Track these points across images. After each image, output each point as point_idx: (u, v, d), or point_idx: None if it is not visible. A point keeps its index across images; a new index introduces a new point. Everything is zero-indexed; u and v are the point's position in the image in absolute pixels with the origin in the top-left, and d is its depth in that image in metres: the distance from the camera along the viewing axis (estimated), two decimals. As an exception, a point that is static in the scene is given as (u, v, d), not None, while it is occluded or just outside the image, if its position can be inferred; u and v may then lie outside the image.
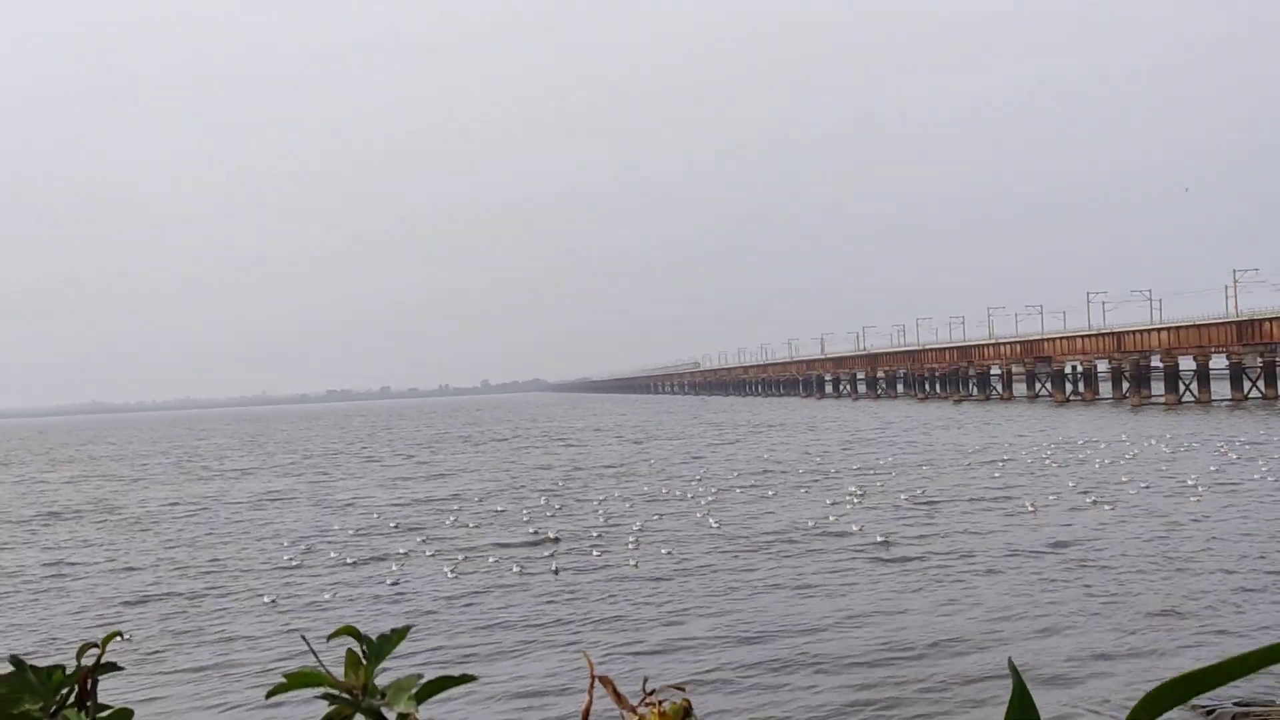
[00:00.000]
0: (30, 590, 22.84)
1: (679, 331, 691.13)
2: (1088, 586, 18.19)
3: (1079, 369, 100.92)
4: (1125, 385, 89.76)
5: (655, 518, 29.06)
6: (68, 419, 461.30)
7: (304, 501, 38.50)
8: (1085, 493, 29.83)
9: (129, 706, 1.47)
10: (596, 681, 1.74)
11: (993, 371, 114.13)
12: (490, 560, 23.23)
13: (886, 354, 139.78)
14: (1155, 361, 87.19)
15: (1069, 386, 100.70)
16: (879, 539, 23.53)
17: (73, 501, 43.59)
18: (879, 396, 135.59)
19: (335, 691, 1.34)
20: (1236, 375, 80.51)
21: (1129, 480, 32.25)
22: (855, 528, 25.31)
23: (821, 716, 12.41)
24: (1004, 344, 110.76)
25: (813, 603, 18.02)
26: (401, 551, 24.92)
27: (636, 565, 21.91)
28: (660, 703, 1.72)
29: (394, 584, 21.21)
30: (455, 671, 1.43)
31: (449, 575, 21.76)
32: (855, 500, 30.82)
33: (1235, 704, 11.48)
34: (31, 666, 1.42)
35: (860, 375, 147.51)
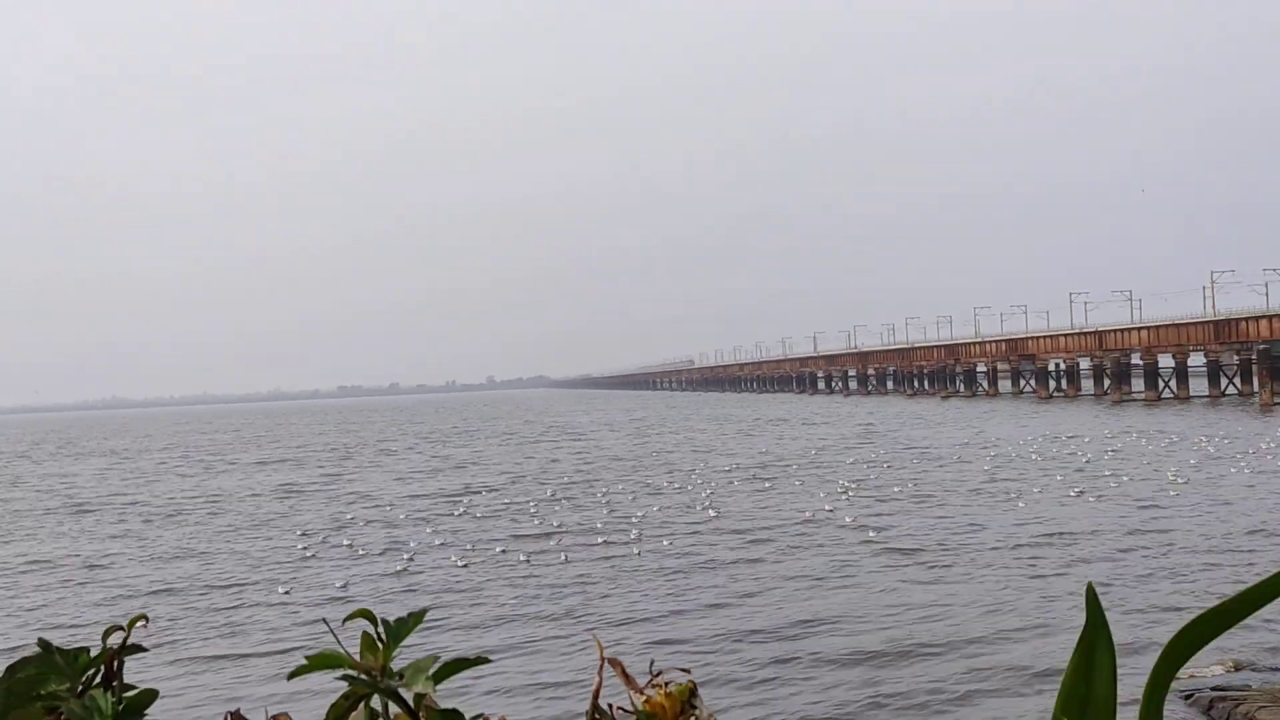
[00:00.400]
0: (58, 579, 23.45)
1: (679, 331, 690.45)
2: (1077, 578, 18.83)
3: (1062, 366, 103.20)
4: (1106, 382, 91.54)
5: (657, 509, 29.83)
6: (87, 414, 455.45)
7: (319, 495, 39.15)
8: (1071, 485, 30.77)
9: (154, 688, 1.48)
10: (606, 663, 1.78)
11: (979, 369, 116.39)
12: (498, 551, 23.84)
13: (877, 352, 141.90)
14: (1135, 359, 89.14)
15: (1052, 383, 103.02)
16: (873, 532, 24.18)
17: (97, 494, 44.44)
18: (869, 393, 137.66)
19: (354, 673, 1.36)
20: (1214, 372, 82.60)
21: (1112, 473, 33.23)
22: (849, 519, 26.06)
23: (821, 710, 12.60)
24: (990, 342, 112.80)
25: (811, 593, 18.57)
26: (413, 544, 25.47)
27: (640, 554, 22.61)
28: (666, 684, 1.75)
29: (403, 573, 21.80)
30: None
31: (458, 564, 22.35)
32: (850, 493, 31.57)
33: (1213, 690, 11.77)
34: (59, 649, 1.42)
35: (852, 372, 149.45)
